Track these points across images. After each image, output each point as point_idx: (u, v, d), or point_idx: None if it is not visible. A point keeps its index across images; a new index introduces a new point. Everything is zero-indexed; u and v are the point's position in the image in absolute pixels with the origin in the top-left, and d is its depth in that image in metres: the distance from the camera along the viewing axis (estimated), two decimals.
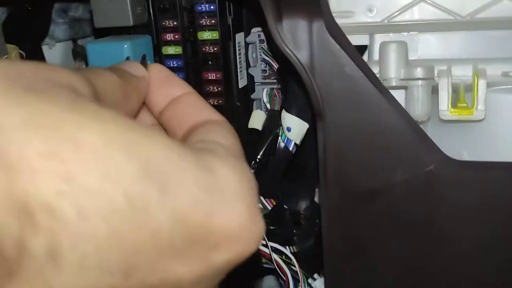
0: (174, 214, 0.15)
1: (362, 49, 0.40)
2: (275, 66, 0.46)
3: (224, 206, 0.17)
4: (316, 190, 0.56)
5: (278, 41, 0.32)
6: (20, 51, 0.43)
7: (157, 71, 0.25)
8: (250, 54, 0.49)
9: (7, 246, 0.12)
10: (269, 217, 0.46)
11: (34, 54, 0.46)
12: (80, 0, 0.44)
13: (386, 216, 0.35)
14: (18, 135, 0.13)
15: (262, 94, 0.49)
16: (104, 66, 0.45)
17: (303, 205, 0.54)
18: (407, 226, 0.35)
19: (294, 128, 0.41)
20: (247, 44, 0.49)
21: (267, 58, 0.46)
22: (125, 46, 0.42)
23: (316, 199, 0.56)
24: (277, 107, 0.47)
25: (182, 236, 0.15)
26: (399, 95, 0.38)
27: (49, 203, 0.13)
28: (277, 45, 0.33)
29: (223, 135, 0.21)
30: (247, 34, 0.48)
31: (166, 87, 0.25)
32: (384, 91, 0.33)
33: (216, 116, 0.23)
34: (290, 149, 0.41)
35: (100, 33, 0.46)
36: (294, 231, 0.51)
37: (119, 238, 0.14)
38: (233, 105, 0.48)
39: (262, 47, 0.47)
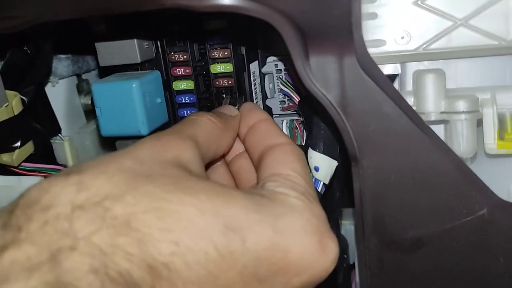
0: (255, 256, 0.20)
1: (391, 78, 0.36)
2: (296, 98, 0.42)
3: (298, 243, 0.21)
4: (342, 222, 0.53)
5: (306, 80, 0.28)
6: (21, 96, 0.40)
7: (244, 106, 0.34)
8: (267, 84, 0.45)
9: (146, 283, 0.18)
10: None
11: (36, 97, 0.42)
12: (83, 39, 0.41)
13: (433, 268, 0.32)
14: (144, 217, 0.19)
15: (282, 127, 0.45)
16: (111, 107, 0.42)
17: None
18: (458, 279, 0.31)
19: (323, 167, 0.37)
20: (262, 74, 0.45)
21: (286, 89, 0.43)
22: (134, 85, 0.39)
23: (342, 232, 0.52)
24: (298, 141, 0.44)
25: (265, 271, 0.21)
26: (437, 130, 0.34)
27: (167, 261, 0.18)
28: (304, 83, 0.29)
29: (289, 162, 0.27)
30: (262, 62, 0.45)
31: (247, 117, 0.32)
32: (426, 130, 0.29)
33: (282, 139, 0.29)
34: (319, 190, 0.38)
35: (105, 70, 0.43)
36: None
37: (215, 278, 0.19)
38: None
39: (279, 77, 0.44)
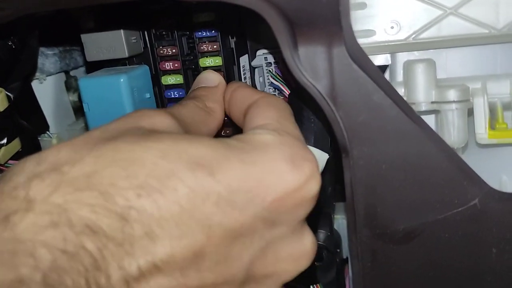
0: (228, 187, 0.21)
1: (382, 69, 0.36)
2: (286, 91, 0.42)
3: (269, 170, 0.22)
4: (334, 217, 0.52)
5: (295, 71, 0.28)
6: (7, 92, 0.40)
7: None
8: (257, 78, 0.45)
9: (117, 237, 0.18)
10: None
11: (23, 93, 0.42)
12: (70, 33, 0.40)
13: (426, 258, 0.31)
14: (106, 171, 0.20)
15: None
16: (99, 102, 0.42)
17: (321, 236, 0.50)
18: (450, 269, 0.31)
19: None
20: (252, 68, 0.45)
21: (276, 83, 0.42)
22: (122, 80, 0.38)
23: (335, 226, 0.52)
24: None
25: (241, 198, 0.21)
26: (428, 120, 0.34)
27: (135, 205, 0.19)
28: (293, 74, 0.29)
29: (263, 113, 0.28)
30: (252, 56, 0.45)
31: (227, 90, 0.34)
32: (417, 120, 0.29)
33: (256, 96, 0.30)
34: None
35: (92, 65, 0.42)
36: (317, 267, 0.47)
37: (191, 211, 0.20)
38: (241, 133, 0.45)
39: (269, 71, 0.43)
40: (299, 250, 0.25)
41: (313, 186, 0.24)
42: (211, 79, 0.35)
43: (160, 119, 0.25)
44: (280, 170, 0.23)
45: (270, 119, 0.27)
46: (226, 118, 0.39)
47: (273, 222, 0.23)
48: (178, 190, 0.20)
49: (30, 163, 0.20)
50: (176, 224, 0.19)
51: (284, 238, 0.24)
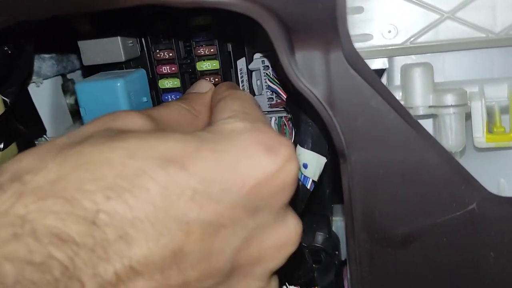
0: (202, 179, 0.20)
1: (379, 73, 0.36)
2: (283, 94, 0.42)
3: (243, 156, 0.21)
4: (333, 219, 0.52)
5: (292, 76, 0.28)
6: (3, 97, 0.39)
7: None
8: (254, 81, 0.45)
9: (88, 243, 0.18)
10: (288, 261, 0.42)
11: (19, 98, 0.42)
12: (66, 39, 0.40)
13: (424, 263, 0.31)
14: (71, 176, 0.19)
15: (270, 124, 0.45)
16: (96, 107, 0.42)
17: (320, 238, 0.50)
18: (449, 273, 0.31)
19: (311, 164, 0.37)
20: (250, 71, 0.45)
21: (273, 86, 0.42)
22: (118, 84, 0.38)
23: (333, 228, 0.52)
24: (287, 138, 0.43)
25: (217, 190, 0.20)
26: (426, 124, 0.34)
27: (104, 208, 0.18)
28: (290, 79, 0.29)
29: (229, 107, 0.27)
30: (249, 59, 0.44)
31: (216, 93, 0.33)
32: (414, 124, 0.29)
33: (226, 93, 0.30)
34: (308, 187, 0.37)
35: (89, 69, 0.42)
36: (315, 269, 0.47)
37: (166, 210, 0.19)
38: None
39: (267, 74, 0.43)
40: (283, 235, 0.24)
41: (292, 168, 0.23)
42: (202, 85, 0.35)
43: (132, 120, 0.24)
44: (255, 155, 0.22)
45: (238, 110, 0.26)
46: None
47: (254, 209, 0.22)
48: (150, 188, 0.19)
49: None
50: (151, 224, 0.19)
51: (267, 225, 0.23)
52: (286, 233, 0.25)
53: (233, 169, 0.21)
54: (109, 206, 0.18)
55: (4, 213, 0.18)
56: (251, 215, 0.22)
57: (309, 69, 0.28)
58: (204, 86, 0.35)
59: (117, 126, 0.23)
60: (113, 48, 0.39)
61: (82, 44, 0.39)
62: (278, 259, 0.25)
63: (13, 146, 0.41)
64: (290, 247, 0.25)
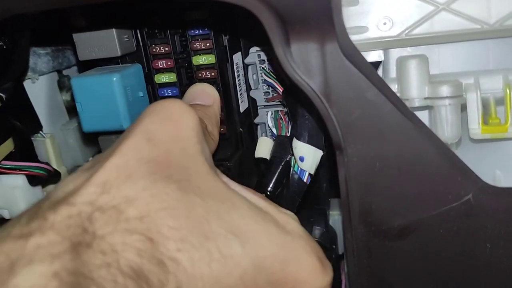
0: (254, 263, 0.22)
1: (375, 65, 0.36)
2: (279, 88, 0.42)
3: (297, 259, 0.23)
4: (330, 213, 0.52)
5: (287, 68, 0.28)
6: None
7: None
8: (251, 75, 0.45)
9: (155, 283, 0.19)
10: None
11: (15, 93, 0.41)
12: (61, 33, 0.40)
13: (421, 254, 0.31)
14: (156, 215, 0.21)
15: (267, 118, 0.45)
16: (92, 102, 0.41)
17: (317, 232, 0.50)
18: (445, 264, 0.31)
19: (308, 157, 0.37)
20: (246, 65, 0.45)
21: (269, 80, 0.42)
22: (114, 79, 0.38)
23: (331, 222, 0.52)
24: (284, 132, 0.43)
25: (264, 279, 0.22)
26: (421, 116, 0.34)
27: (174, 256, 0.20)
28: (286, 71, 0.29)
29: None
30: (245, 53, 0.44)
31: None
32: (410, 116, 0.29)
33: None
34: (305, 180, 0.38)
35: (84, 64, 0.42)
36: None
37: (218, 277, 0.21)
38: (236, 131, 0.44)
39: (263, 68, 0.43)
40: None
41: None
42: (207, 94, 0.35)
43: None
44: (307, 263, 0.24)
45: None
46: (221, 115, 0.39)
47: None
48: (213, 253, 0.21)
49: (94, 190, 0.21)
50: (203, 286, 0.21)
51: None
52: None
53: (282, 266, 0.23)
54: (178, 256, 0.21)
55: (101, 238, 0.20)
56: None
57: (305, 61, 0.28)
58: (208, 94, 0.35)
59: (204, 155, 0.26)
60: (108, 42, 0.39)
61: (77, 38, 0.39)
62: None
63: (9, 142, 0.41)
64: None
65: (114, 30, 0.38)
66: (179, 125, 0.25)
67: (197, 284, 0.21)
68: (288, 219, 0.26)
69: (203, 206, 0.22)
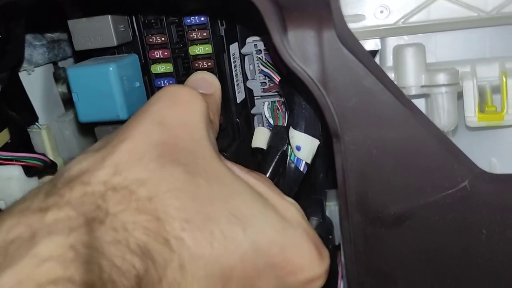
0: (254, 246, 0.22)
1: (372, 54, 0.36)
2: (276, 78, 0.42)
3: (295, 244, 0.24)
4: (326, 204, 0.52)
5: (284, 55, 0.28)
6: None
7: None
8: (247, 66, 0.45)
9: (160, 261, 0.20)
10: None
11: (11, 84, 0.41)
12: (57, 22, 0.40)
13: (417, 241, 0.32)
14: (163, 196, 0.22)
15: (263, 108, 0.45)
16: (88, 92, 0.41)
17: (314, 222, 0.50)
18: (441, 251, 0.31)
19: (304, 146, 0.37)
20: (242, 55, 0.45)
21: (266, 70, 0.42)
22: (111, 69, 0.38)
23: (327, 213, 0.52)
24: (281, 122, 0.43)
25: (263, 262, 0.23)
26: (418, 104, 0.34)
27: (179, 235, 0.21)
28: (283, 59, 0.29)
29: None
30: (242, 44, 0.44)
31: None
32: (407, 103, 0.29)
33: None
34: (301, 169, 0.38)
35: (80, 55, 0.42)
36: None
37: (219, 257, 0.22)
38: (233, 122, 0.44)
39: (259, 58, 0.43)
40: None
41: (325, 277, 0.26)
42: (208, 82, 0.34)
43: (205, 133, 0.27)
44: (305, 248, 0.25)
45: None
46: None
47: None
48: (215, 234, 0.22)
49: (107, 171, 0.22)
50: (204, 265, 0.21)
51: None
52: None
53: (281, 251, 0.24)
54: (182, 235, 0.21)
55: (114, 216, 0.20)
56: None
57: (302, 49, 0.28)
58: (210, 82, 0.34)
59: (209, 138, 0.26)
60: (104, 32, 0.38)
61: (73, 28, 0.38)
62: None
63: (5, 132, 0.40)
64: None
65: (110, 17, 0.38)
66: (188, 110, 0.26)
67: (199, 262, 0.21)
68: (288, 205, 0.27)
69: (208, 189, 0.23)
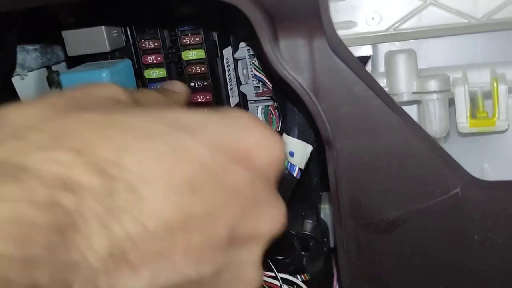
0: (209, 146, 0.21)
1: (364, 60, 0.36)
2: (269, 83, 0.42)
3: (247, 133, 0.23)
4: (321, 206, 0.53)
5: (276, 64, 0.28)
6: None
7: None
8: (241, 70, 0.45)
9: (98, 190, 0.17)
10: (276, 247, 0.42)
11: (3, 90, 0.41)
12: (50, 29, 0.40)
13: (410, 247, 0.32)
14: (81, 133, 0.19)
15: (257, 113, 0.45)
16: None
17: (309, 225, 0.50)
18: (434, 257, 0.32)
19: (298, 152, 0.37)
20: (236, 60, 0.45)
21: (259, 75, 0.42)
22: (104, 74, 0.38)
23: (322, 216, 0.53)
24: (274, 126, 0.44)
25: (223, 159, 0.21)
26: (410, 110, 0.34)
27: (115, 162, 0.18)
28: (274, 67, 0.29)
29: None
30: (235, 48, 0.44)
31: None
32: (398, 110, 0.29)
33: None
34: (295, 175, 0.38)
35: (74, 60, 0.42)
36: (304, 257, 0.47)
37: (173, 171, 0.19)
38: None
39: (252, 63, 0.43)
40: (276, 211, 0.24)
41: (282, 157, 0.24)
42: (177, 85, 0.34)
43: (120, 94, 0.24)
44: (258, 133, 0.23)
45: None
46: None
47: (253, 181, 0.22)
48: (160, 149, 0.19)
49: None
50: (163, 183, 0.19)
51: (264, 198, 0.23)
52: (278, 210, 0.25)
53: (237, 141, 0.22)
54: (120, 161, 0.18)
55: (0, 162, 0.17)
56: (250, 187, 0.22)
57: (293, 57, 0.28)
58: (179, 87, 0.34)
59: (106, 94, 0.23)
60: (97, 38, 0.39)
61: (66, 34, 0.39)
62: (268, 234, 0.25)
63: None
64: (280, 224, 0.25)
65: (103, 26, 0.38)
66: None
67: (154, 183, 0.19)
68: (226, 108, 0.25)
69: (136, 113, 0.21)
